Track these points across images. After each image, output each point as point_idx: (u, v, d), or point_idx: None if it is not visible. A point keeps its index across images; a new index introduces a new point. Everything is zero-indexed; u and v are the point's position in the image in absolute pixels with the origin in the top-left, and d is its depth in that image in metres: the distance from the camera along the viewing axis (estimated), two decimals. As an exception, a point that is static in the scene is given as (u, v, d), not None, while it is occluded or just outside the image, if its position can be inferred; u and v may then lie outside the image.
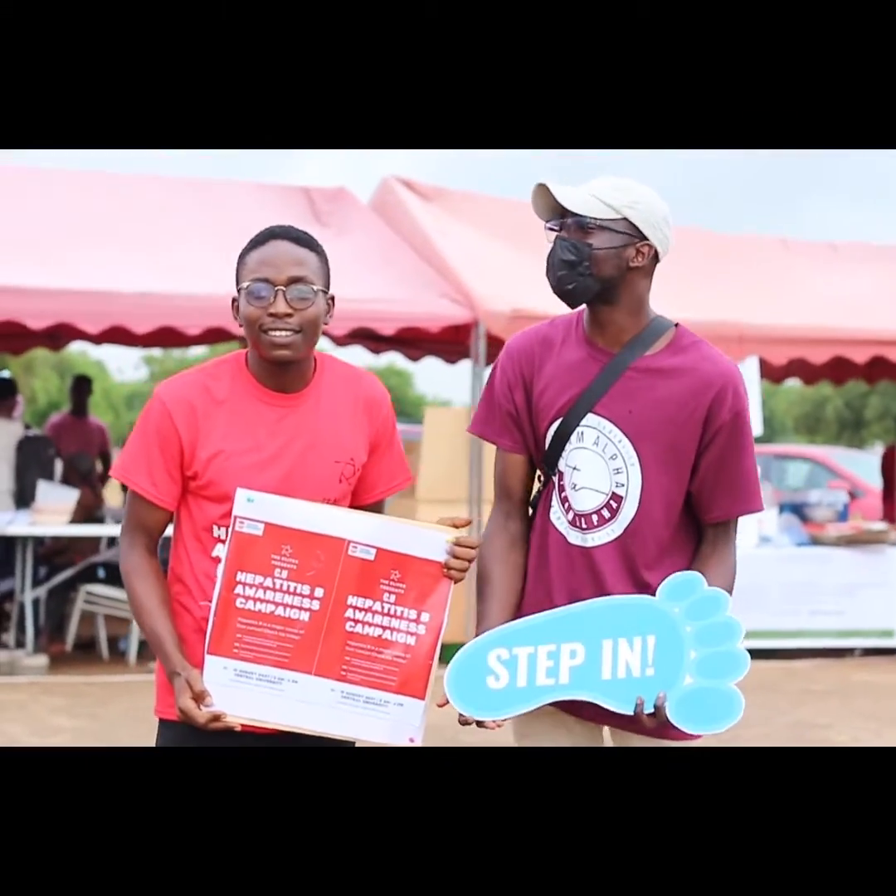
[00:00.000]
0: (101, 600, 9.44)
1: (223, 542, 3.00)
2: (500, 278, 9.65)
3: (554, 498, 3.12)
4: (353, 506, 3.14)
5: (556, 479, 3.12)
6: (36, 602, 9.43)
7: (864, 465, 16.25)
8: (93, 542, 9.86)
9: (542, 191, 3.04)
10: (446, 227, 10.03)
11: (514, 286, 9.50)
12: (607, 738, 3.15)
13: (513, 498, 3.20)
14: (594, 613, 2.96)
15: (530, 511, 3.20)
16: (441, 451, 9.91)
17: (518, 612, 3.11)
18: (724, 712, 2.86)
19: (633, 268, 3.04)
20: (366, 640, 2.99)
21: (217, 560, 3.01)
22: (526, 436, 3.16)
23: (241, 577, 2.95)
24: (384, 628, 2.99)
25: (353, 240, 9.79)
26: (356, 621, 2.98)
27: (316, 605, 2.97)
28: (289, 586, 2.96)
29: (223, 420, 3.05)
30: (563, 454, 3.10)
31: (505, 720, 2.96)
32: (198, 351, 26.29)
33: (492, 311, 9.27)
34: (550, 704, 2.97)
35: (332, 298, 3.10)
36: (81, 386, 11.74)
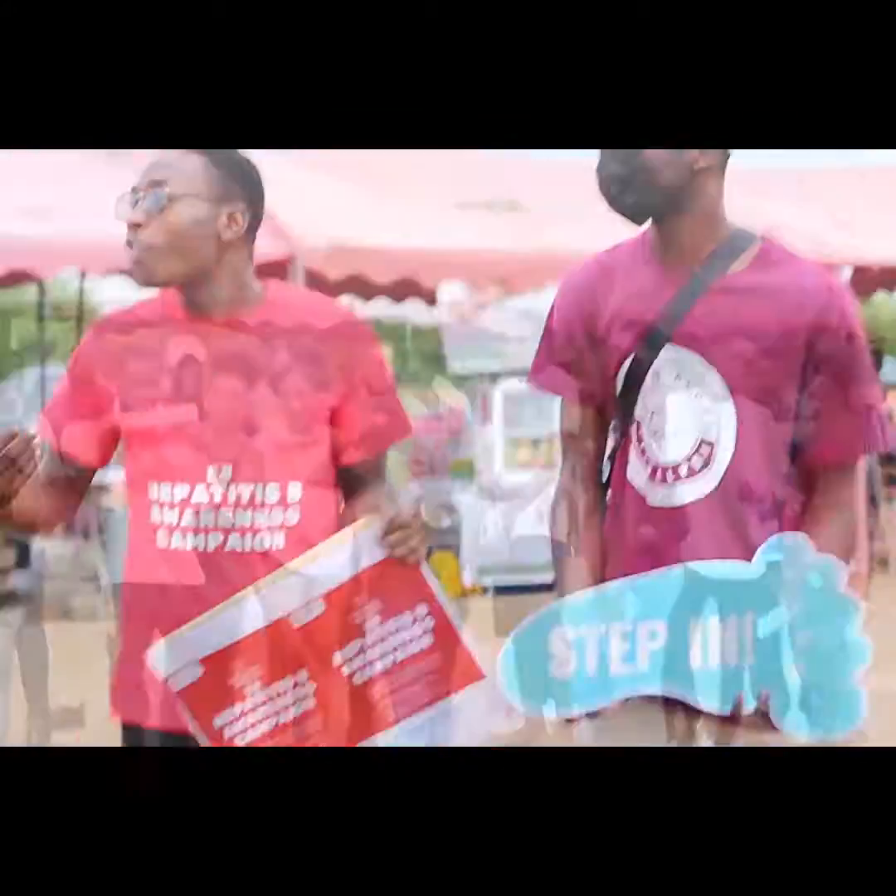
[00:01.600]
0: None
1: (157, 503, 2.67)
2: (317, 209, 8.98)
3: (632, 452, 2.66)
4: (342, 465, 2.73)
5: (633, 429, 2.67)
6: None
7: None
8: None
9: None
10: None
11: (333, 217, 8.89)
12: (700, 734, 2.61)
13: (585, 457, 2.75)
14: (678, 585, 2.41)
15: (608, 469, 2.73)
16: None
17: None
18: (843, 713, 2.41)
19: (699, 169, 2.60)
20: (386, 677, 2.60)
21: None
22: (593, 383, 2.71)
23: (217, 722, 2.56)
24: (393, 651, 2.60)
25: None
26: (358, 670, 2.59)
27: (312, 688, 2.57)
28: (269, 694, 2.57)
29: (137, 349, 2.67)
30: (639, 398, 2.65)
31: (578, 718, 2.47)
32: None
33: (309, 245, 8.56)
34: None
35: (235, 213, 2.66)
36: None
